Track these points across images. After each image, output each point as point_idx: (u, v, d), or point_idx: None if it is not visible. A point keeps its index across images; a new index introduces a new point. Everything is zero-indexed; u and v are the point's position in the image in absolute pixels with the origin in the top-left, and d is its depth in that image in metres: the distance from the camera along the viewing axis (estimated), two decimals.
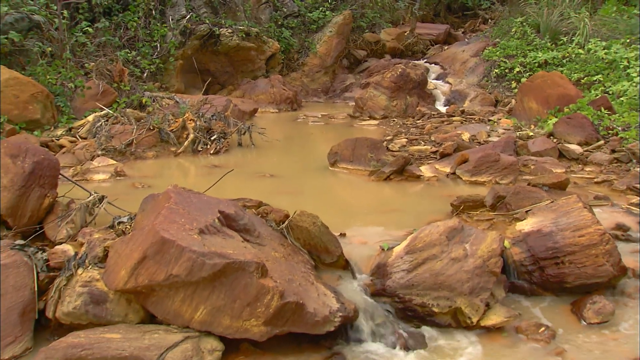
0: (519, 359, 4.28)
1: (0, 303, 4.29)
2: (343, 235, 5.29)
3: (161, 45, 12.69)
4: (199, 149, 8.90)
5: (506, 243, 5.06)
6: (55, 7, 10.94)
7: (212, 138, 9.08)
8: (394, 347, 4.40)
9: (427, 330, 4.60)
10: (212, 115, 9.56)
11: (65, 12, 11.01)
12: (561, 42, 13.47)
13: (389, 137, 9.96)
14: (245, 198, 5.54)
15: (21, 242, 4.86)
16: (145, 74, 12.02)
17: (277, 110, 13.06)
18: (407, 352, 4.37)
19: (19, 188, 5.14)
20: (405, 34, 17.78)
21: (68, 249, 4.79)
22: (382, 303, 4.69)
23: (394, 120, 11.68)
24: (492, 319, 4.57)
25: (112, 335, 4.05)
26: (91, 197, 5.54)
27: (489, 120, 11.17)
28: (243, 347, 4.25)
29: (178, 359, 3.91)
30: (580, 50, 12.64)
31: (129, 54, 11.93)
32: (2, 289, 4.35)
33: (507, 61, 13.81)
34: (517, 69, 13.41)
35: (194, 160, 8.63)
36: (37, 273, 4.54)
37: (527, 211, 5.55)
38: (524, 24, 14.59)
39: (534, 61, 13.20)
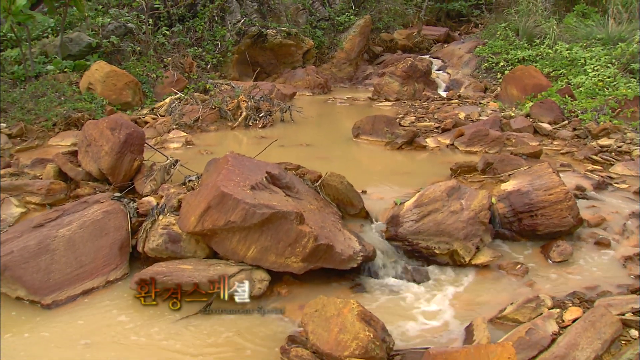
0: (501, 289, 4.33)
1: (107, 239, 4.41)
2: (364, 192, 5.25)
3: (221, 43, 12.62)
4: (250, 124, 8.87)
5: (493, 199, 5.02)
6: (143, 17, 11.16)
7: (260, 115, 9.04)
8: (404, 280, 4.40)
9: (429, 268, 4.59)
10: (260, 97, 9.51)
11: (150, 20, 11.12)
12: (535, 43, 13.34)
13: (401, 115, 9.82)
14: (287, 162, 5.52)
15: (118, 194, 4.96)
16: (208, 66, 11.98)
17: (311, 94, 12.91)
18: (414, 284, 4.37)
19: (116, 153, 5.20)
20: (414, 34, 17.45)
21: (152, 200, 4.85)
22: (394, 246, 4.67)
23: (404, 102, 11.50)
24: (481, 259, 4.58)
25: (185, 266, 4.09)
26: (168, 161, 5.58)
27: (480, 103, 11.00)
28: (285, 278, 4.28)
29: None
30: (550, 50, 12.53)
31: (196, 51, 11.92)
32: (106, 228, 4.47)
33: (494, 57, 13.65)
34: (502, 63, 13.26)
35: (246, 133, 8.61)
36: (130, 218, 4.63)
37: (509, 175, 5.50)
38: (507, 28, 14.40)
39: (515, 57, 13.09)
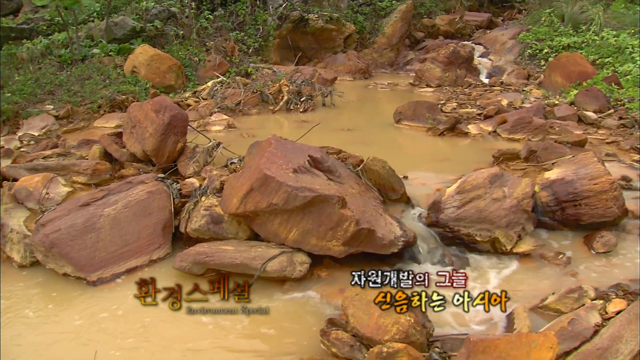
0: (542, 278, 4.26)
1: (150, 219, 4.51)
2: (406, 177, 5.18)
3: (263, 27, 12.64)
4: (291, 107, 8.88)
5: (536, 188, 4.92)
6: (186, 1, 11.28)
7: (302, 99, 9.03)
8: (444, 266, 4.36)
9: (470, 255, 4.54)
10: (302, 82, 9.49)
11: (193, 4, 11.24)
12: (581, 30, 12.90)
13: (442, 101, 9.65)
14: (328, 146, 5.49)
15: (162, 175, 5.04)
16: (250, 50, 12.02)
17: (352, 79, 12.82)
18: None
19: (160, 135, 5.27)
20: (456, 20, 17.09)
21: (194, 181, 4.91)
22: (435, 232, 4.64)
23: (446, 88, 11.31)
24: (522, 247, 4.51)
25: (227, 247, 4.15)
26: (210, 143, 5.64)
27: (523, 90, 10.73)
28: (325, 262, 4.29)
29: (276, 267, 3.99)
30: (596, 37, 12.13)
31: (238, 35, 11.98)
32: (150, 208, 4.56)
33: (538, 44, 13.27)
34: (546, 50, 12.88)
35: (287, 117, 8.62)
36: (173, 199, 4.71)
37: (553, 163, 5.37)
38: (552, 14, 13.97)
39: (559, 44, 12.69)
